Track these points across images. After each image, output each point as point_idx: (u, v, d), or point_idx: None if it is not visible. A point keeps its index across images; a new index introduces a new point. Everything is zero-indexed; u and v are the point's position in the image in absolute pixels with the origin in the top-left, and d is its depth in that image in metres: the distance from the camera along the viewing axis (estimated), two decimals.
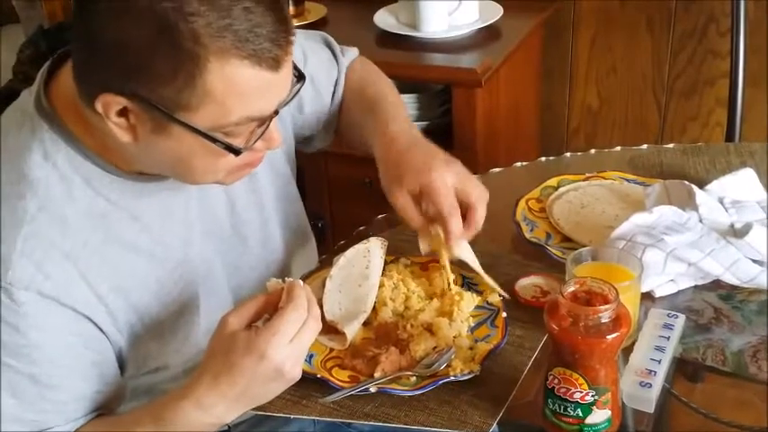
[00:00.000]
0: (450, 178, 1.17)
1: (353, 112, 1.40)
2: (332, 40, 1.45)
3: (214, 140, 0.98)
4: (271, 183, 1.32)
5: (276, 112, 1.02)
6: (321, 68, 1.39)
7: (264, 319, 1.01)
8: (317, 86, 1.38)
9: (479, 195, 1.19)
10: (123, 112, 0.98)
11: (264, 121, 1.01)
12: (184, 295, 1.17)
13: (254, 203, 1.29)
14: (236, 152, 1.00)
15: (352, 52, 1.47)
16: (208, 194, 1.21)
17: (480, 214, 1.18)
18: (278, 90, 1.00)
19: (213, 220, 1.23)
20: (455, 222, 1.16)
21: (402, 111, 1.36)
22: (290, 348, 0.98)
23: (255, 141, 1.02)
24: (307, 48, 1.37)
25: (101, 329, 1.08)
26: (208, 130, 0.97)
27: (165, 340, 1.16)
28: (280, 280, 1.05)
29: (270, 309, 1.02)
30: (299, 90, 1.06)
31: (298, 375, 1.01)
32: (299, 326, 0.99)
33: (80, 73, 1.01)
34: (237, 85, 0.95)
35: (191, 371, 1.04)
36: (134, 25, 0.91)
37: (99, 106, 0.97)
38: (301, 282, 1.03)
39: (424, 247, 1.22)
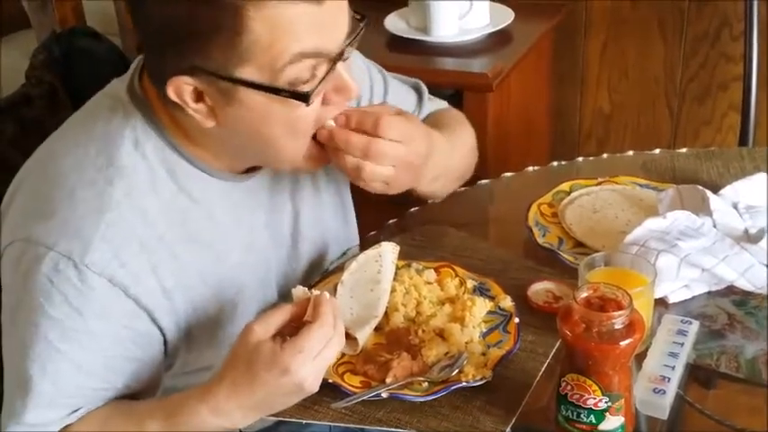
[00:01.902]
0: (407, 126, 1.14)
1: None
2: (423, 86, 1.45)
3: (278, 91, 0.98)
4: (332, 196, 1.34)
5: (341, 56, 1.01)
6: (396, 102, 1.39)
7: (291, 329, 1.01)
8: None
9: (389, 146, 1.12)
10: (199, 97, 1.00)
11: (324, 60, 1.00)
12: (239, 297, 1.18)
13: (316, 219, 1.31)
14: (304, 98, 0.99)
15: (441, 103, 1.48)
16: (277, 204, 1.23)
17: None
18: (329, 24, 0.99)
19: (278, 228, 1.25)
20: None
21: (452, 136, 1.34)
22: (312, 365, 0.98)
23: (320, 83, 1.00)
24: (390, 83, 1.39)
25: (158, 325, 1.09)
26: (269, 82, 0.98)
27: (217, 339, 1.16)
28: (306, 288, 1.05)
29: (295, 320, 1.02)
30: (361, 29, 1.05)
31: (316, 389, 1.01)
32: (325, 343, 0.99)
33: (148, 67, 1.05)
34: (281, 25, 0.95)
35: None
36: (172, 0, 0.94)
37: (171, 94, 1.00)
38: (327, 294, 1.03)
39: None
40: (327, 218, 1.34)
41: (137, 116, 1.07)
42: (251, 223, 1.20)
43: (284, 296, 1.27)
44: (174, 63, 0.98)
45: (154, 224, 1.06)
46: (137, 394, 1.13)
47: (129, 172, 1.05)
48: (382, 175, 1.14)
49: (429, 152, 1.19)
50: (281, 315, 1.02)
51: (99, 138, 1.07)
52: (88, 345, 1.04)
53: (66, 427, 1.07)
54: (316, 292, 1.04)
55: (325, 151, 1.11)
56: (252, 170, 1.18)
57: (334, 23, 1.00)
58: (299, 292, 1.05)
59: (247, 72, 0.97)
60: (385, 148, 1.11)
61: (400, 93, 1.41)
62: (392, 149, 1.12)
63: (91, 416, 1.08)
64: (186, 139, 1.09)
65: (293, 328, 1.01)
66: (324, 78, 1.00)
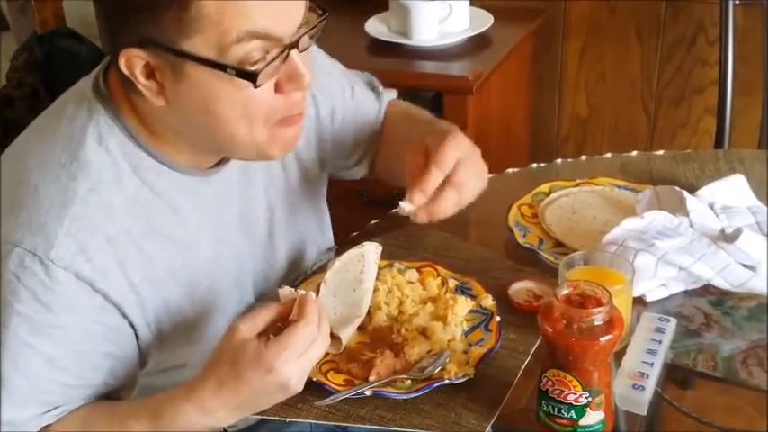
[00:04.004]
0: (460, 149, 1.17)
1: (395, 135, 1.42)
2: (375, 80, 1.48)
3: (224, 67, 0.98)
4: (307, 196, 1.35)
5: (295, 44, 1.01)
6: (366, 99, 1.43)
7: (276, 329, 1.01)
8: (360, 110, 1.42)
9: (463, 181, 1.17)
10: (150, 74, 1.00)
11: (276, 45, 1.00)
12: (213, 294, 1.18)
13: (289, 214, 1.31)
14: (252, 77, 0.99)
15: (393, 93, 1.50)
16: (250, 198, 1.24)
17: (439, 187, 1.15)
18: (279, 9, 0.99)
19: (253, 223, 1.25)
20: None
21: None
22: (297, 364, 0.99)
23: (268, 65, 0.99)
24: (352, 78, 1.42)
25: (129, 320, 1.09)
26: (216, 58, 0.97)
27: (191, 338, 1.17)
28: (293, 289, 1.05)
29: (281, 319, 1.02)
30: (321, 21, 1.06)
31: (300, 388, 1.02)
32: (309, 342, 0.99)
33: (104, 41, 1.05)
34: (230, 1, 0.95)
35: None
36: None
37: (123, 66, 1.00)
38: (313, 294, 1.03)
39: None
40: (302, 216, 1.35)
41: (100, 111, 1.08)
42: (220, 217, 1.19)
43: (261, 297, 1.28)
44: (126, 34, 0.99)
45: (119, 218, 1.06)
46: (115, 392, 1.13)
47: (93, 167, 1.05)
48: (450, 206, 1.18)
49: (471, 151, 1.20)
50: (267, 314, 1.02)
51: (63, 134, 1.07)
52: (58, 339, 1.04)
53: (45, 427, 1.07)
54: (302, 291, 1.04)
55: (287, 137, 1.10)
56: (219, 165, 1.18)
57: (284, 8, 1.00)
58: (286, 291, 1.05)
59: (195, 45, 0.97)
60: (447, 204, 1.16)
61: (366, 99, 1.44)
62: (451, 198, 1.16)
63: (71, 416, 1.08)
64: (148, 131, 1.09)
65: (279, 328, 1.01)
66: (273, 61, 1.00)
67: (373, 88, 1.46)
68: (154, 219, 1.10)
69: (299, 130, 1.11)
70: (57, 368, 1.05)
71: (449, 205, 1.17)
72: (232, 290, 1.22)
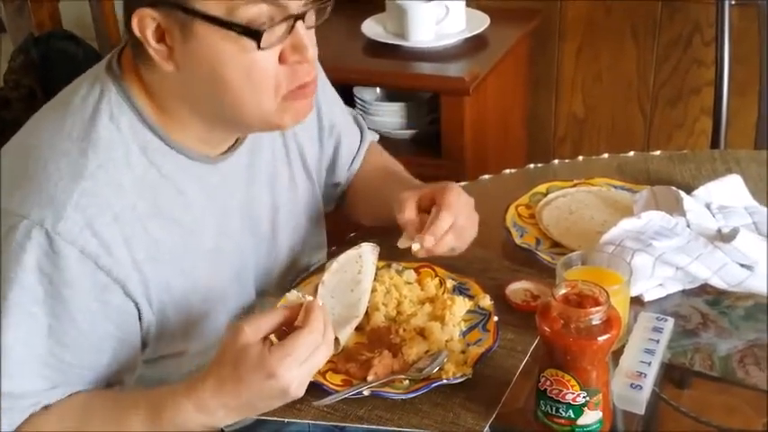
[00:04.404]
0: (464, 198, 1.23)
1: (375, 182, 1.46)
2: (359, 117, 1.52)
3: (231, 25, 1.00)
4: (309, 195, 1.36)
5: (301, 17, 1.04)
6: (352, 132, 1.46)
7: (281, 333, 1.01)
8: (349, 140, 1.45)
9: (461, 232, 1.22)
10: (160, 38, 1.02)
11: (282, 13, 1.02)
12: (214, 285, 1.19)
13: (292, 212, 1.32)
14: (256, 35, 1.01)
15: (374, 134, 1.53)
16: (254, 192, 1.25)
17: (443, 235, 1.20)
18: None
19: (257, 218, 1.26)
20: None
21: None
22: (299, 371, 0.99)
23: (273, 26, 1.02)
24: (346, 110, 1.46)
25: (132, 299, 1.09)
26: (224, 17, 1.00)
27: (191, 325, 1.17)
28: (300, 294, 1.05)
29: (286, 324, 1.02)
30: (329, 1, 1.08)
31: (301, 394, 1.01)
32: (313, 350, 0.99)
33: (123, 6, 1.07)
34: None
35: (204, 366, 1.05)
36: None
37: (135, 28, 1.02)
38: (320, 301, 1.03)
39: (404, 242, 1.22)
40: (303, 214, 1.36)
41: (111, 90, 1.09)
42: (224, 203, 1.20)
43: (261, 293, 1.28)
44: None
45: (127, 196, 1.07)
46: (115, 375, 1.13)
47: (104, 144, 1.06)
48: (449, 247, 1.22)
49: (470, 201, 1.26)
50: (273, 319, 1.02)
51: (76, 111, 1.08)
52: (59, 312, 1.04)
53: (45, 408, 1.07)
54: (309, 297, 1.04)
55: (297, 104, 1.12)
56: (227, 154, 1.19)
57: None
58: (293, 297, 1.06)
59: (205, 5, 1.00)
60: (447, 246, 1.21)
61: (354, 132, 1.47)
62: (446, 244, 1.21)
63: (71, 399, 1.08)
64: (158, 110, 1.10)
65: (284, 333, 1.01)
66: (279, 24, 1.03)
67: (359, 125, 1.49)
68: (160, 201, 1.11)
69: (312, 102, 1.14)
70: (56, 341, 1.05)
71: (448, 247, 1.21)
72: (233, 283, 1.23)
